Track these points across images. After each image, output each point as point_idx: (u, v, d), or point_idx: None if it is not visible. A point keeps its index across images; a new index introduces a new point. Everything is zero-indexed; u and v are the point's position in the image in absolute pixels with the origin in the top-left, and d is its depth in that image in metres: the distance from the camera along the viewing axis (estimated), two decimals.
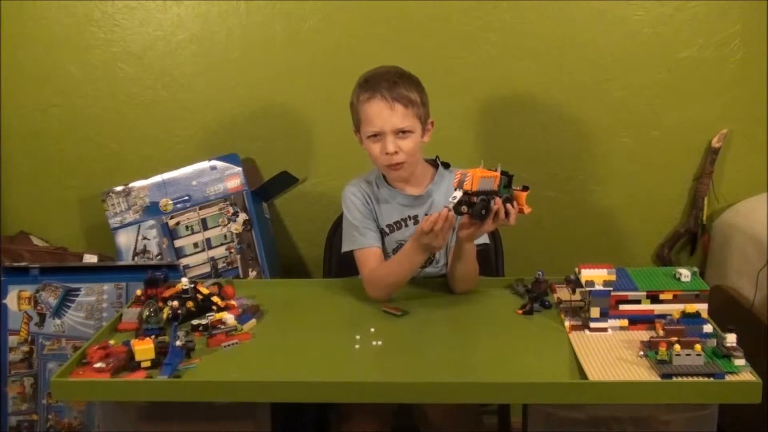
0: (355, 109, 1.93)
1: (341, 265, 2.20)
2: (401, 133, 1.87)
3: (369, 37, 2.43)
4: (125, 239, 2.39)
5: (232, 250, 2.40)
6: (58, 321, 2.25)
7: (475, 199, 1.66)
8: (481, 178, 1.66)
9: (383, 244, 1.98)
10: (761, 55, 2.38)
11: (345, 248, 1.98)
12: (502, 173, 1.70)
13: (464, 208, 1.67)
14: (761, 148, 2.44)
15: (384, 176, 2.01)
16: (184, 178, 2.40)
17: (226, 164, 2.41)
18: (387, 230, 1.98)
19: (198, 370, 1.51)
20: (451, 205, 1.67)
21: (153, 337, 1.56)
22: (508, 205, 1.70)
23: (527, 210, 1.73)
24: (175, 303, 1.72)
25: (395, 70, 1.93)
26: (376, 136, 1.88)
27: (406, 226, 1.98)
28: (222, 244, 2.40)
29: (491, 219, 1.69)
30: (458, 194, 1.66)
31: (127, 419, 1.58)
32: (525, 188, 1.74)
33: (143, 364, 1.50)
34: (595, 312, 1.61)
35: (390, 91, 1.86)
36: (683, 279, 1.62)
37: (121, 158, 2.54)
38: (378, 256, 1.94)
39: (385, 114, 1.86)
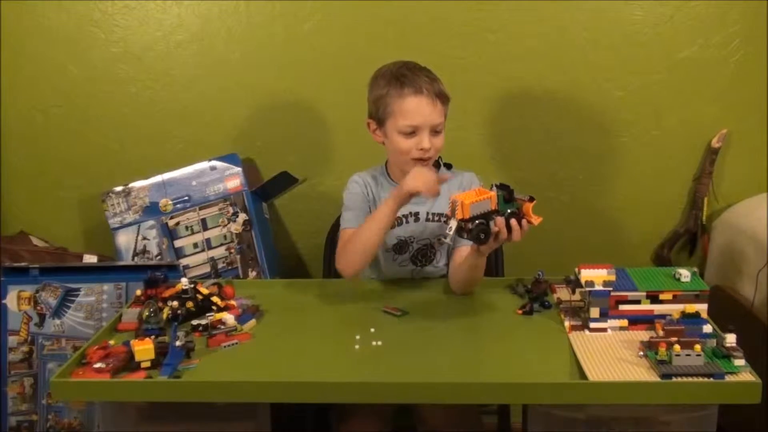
0: (384, 102, 1.89)
1: None
2: (434, 131, 1.88)
3: (369, 38, 2.43)
4: (125, 239, 2.39)
5: (232, 251, 2.40)
6: (57, 321, 2.25)
7: (470, 225, 1.64)
8: (471, 204, 1.63)
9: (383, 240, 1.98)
10: (761, 55, 2.38)
11: (342, 227, 1.98)
12: (500, 187, 1.67)
13: (465, 234, 1.66)
14: (761, 148, 2.44)
15: (388, 173, 2.01)
16: (184, 179, 2.40)
17: (226, 164, 2.41)
18: None
19: (198, 370, 1.51)
20: (449, 238, 1.66)
21: (153, 337, 1.56)
22: (513, 222, 1.66)
23: (536, 221, 1.69)
24: (175, 303, 1.72)
25: (419, 65, 1.93)
26: (413, 131, 1.87)
27: (407, 222, 1.98)
28: (222, 245, 2.40)
29: (493, 240, 1.67)
30: (453, 224, 1.65)
31: (127, 419, 1.58)
32: (531, 199, 1.70)
33: (143, 365, 1.50)
34: (594, 312, 1.61)
35: (432, 87, 1.86)
36: (683, 279, 1.62)
37: (121, 158, 2.54)
38: None
39: (427, 110, 1.85)
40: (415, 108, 1.86)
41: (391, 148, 1.93)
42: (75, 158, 2.56)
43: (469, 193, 1.67)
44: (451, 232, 1.65)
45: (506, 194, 1.68)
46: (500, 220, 1.66)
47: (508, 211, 1.67)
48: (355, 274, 1.87)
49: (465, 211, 1.64)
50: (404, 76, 1.88)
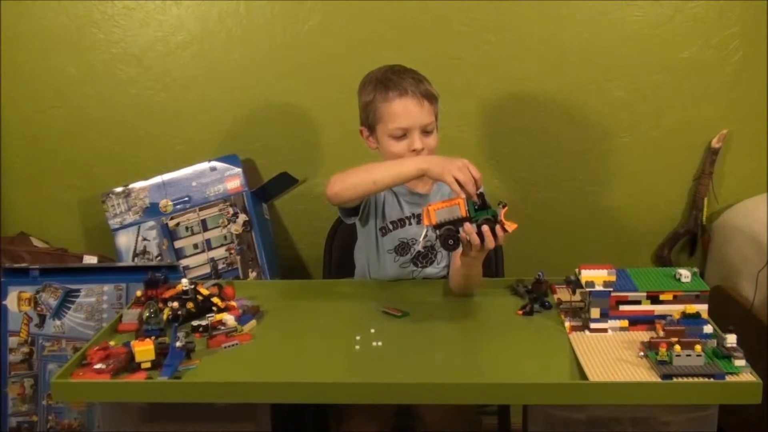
0: (372, 107, 1.89)
1: (341, 265, 2.20)
2: (425, 132, 1.87)
3: (369, 38, 2.43)
4: (125, 240, 2.39)
5: (232, 251, 2.40)
6: (58, 322, 2.25)
7: (438, 231, 1.64)
8: (436, 210, 1.63)
9: (384, 241, 1.98)
10: (761, 55, 2.39)
11: None
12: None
13: (438, 242, 1.66)
14: (761, 149, 2.44)
15: None
16: (184, 179, 2.40)
17: (226, 165, 2.41)
18: (390, 227, 1.98)
19: (198, 371, 1.51)
20: (420, 245, 1.68)
21: (153, 338, 1.55)
22: (484, 228, 1.62)
23: (510, 228, 1.64)
24: (175, 304, 1.72)
25: (405, 67, 1.93)
26: (403, 135, 1.87)
27: (410, 224, 1.98)
28: (222, 245, 2.40)
29: (469, 248, 1.65)
30: (424, 231, 1.65)
31: (128, 420, 1.58)
32: (503, 205, 1.66)
33: (143, 365, 1.50)
34: (595, 313, 1.61)
35: (417, 88, 1.86)
36: (683, 279, 1.62)
37: (121, 159, 2.54)
38: None
39: (414, 111, 1.85)
40: (402, 110, 1.85)
41: (385, 154, 1.92)
42: (75, 159, 2.56)
43: (441, 201, 1.68)
44: (423, 239, 1.67)
45: (479, 199, 1.65)
46: (468, 226, 1.63)
47: (483, 218, 1.64)
48: (334, 195, 1.81)
49: (432, 218, 1.64)
50: (389, 80, 1.88)
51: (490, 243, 1.64)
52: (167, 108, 2.52)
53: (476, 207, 1.65)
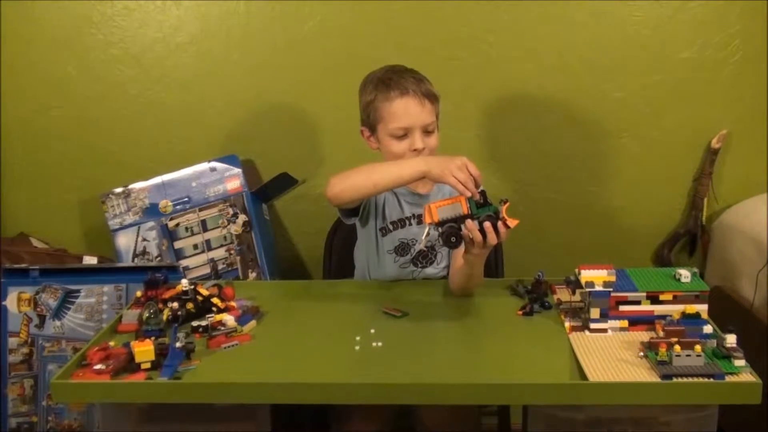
0: (373, 107, 1.89)
1: (341, 265, 2.20)
2: (426, 131, 1.87)
3: (368, 39, 2.43)
4: (125, 241, 2.39)
5: (232, 252, 2.40)
6: (57, 322, 2.25)
7: (441, 229, 1.64)
8: (438, 208, 1.64)
9: (384, 241, 1.98)
10: (761, 56, 2.39)
11: None
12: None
13: (439, 239, 1.66)
14: (761, 149, 2.44)
15: None
16: (184, 180, 2.40)
17: (226, 165, 2.41)
18: (391, 227, 1.98)
19: (198, 371, 1.51)
20: (422, 243, 1.67)
21: (153, 338, 1.56)
22: (486, 224, 1.63)
23: (511, 224, 1.65)
24: (175, 304, 1.72)
25: (406, 67, 1.93)
26: (405, 134, 1.87)
27: (410, 224, 1.98)
28: (222, 246, 2.40)
29: (471, 245, 1.66)
30: (426, 229, 1.66)
31: (128, 421, 1.58)
32: (503, 201, 1.67)
33: (143, 366, 1.50)
34: (595, 313, 1.61)
35: (418, 87, 1.86)
36: (683, 280, 1.62)
37: (121, 160, 2.54)
38: None
39: (415, 110, 1.85)
40: (403, 110, 1.85)
41: (386, 154, 1.92)
42: (75, 160, 2.56)
43: (442, 199, 1.68)
44: (425, 237, 1.66)
45: (481, 196, 1.65)
46: (470, 223, 1.63)
47: (485, 214, 1.64)
48: (334, 196, 1.81)
49: (434, 215, 1.64)
50: (390, 79, 1.88)
51: (492, 239, 1.64)
52: (167, 108, 2.52)
53: (478, 204, 1.65)
